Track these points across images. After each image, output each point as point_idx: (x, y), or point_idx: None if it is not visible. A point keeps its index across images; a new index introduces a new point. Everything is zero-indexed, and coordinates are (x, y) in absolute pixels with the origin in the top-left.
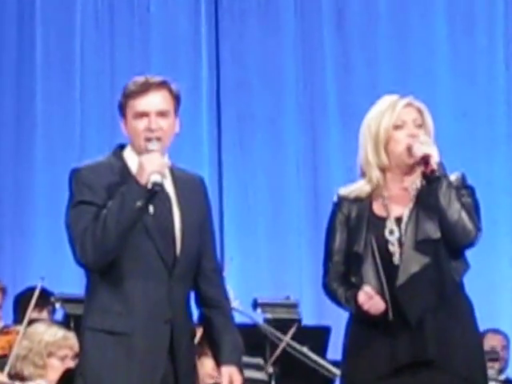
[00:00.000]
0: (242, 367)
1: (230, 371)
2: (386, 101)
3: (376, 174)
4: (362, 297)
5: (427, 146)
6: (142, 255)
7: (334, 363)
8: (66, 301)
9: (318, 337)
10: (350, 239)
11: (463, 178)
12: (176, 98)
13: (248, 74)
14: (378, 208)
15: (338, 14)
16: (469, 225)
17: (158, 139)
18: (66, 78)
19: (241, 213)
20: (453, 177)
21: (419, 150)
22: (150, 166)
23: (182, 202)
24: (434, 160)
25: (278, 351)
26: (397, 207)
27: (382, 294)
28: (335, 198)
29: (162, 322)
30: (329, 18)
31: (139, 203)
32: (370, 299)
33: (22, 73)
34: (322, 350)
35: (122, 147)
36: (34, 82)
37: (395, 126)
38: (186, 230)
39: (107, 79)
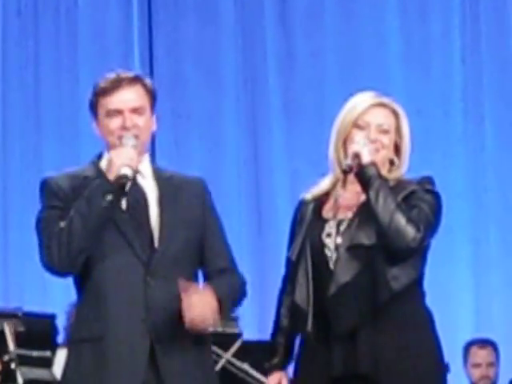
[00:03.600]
0: (226, 304)
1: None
2: (360, 96)
3: (336, 171)
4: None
5: (358, 146)
6: (114, 253)
7: None
8: None
9: (259, 352)
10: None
11: (426, 181)
12: (151, 94)
13: (184, 69)
14: (327, 209)
15: (281, 2)
16: (404, 228)
17: (136, 137)
18: None
19: None
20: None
21: (350, 149)
22: (119, 160)
23: (164, 199)
24: (363, 159)
25: (217, 368)
26: (345, 210)
27: (307, 304)
28: (297, 202)
29: (139, 322)
30: (271, 7)
31: (107, 199)
32: None
33: None
34: (263, 367)
35: (100, 156)
36: None
37: (356, 125)
38: (165, 226)
39: (31, 76)
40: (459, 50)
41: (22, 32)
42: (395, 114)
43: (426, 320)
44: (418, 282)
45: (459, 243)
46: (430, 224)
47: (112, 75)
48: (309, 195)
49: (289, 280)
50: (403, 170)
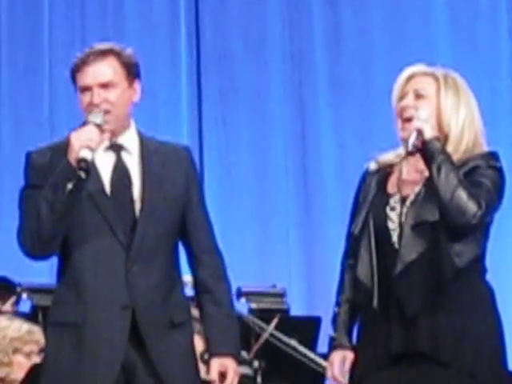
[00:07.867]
0: (237, 358)
1: (219, 362)
2: (407, 69)
3: (401, 144)
4: (329, 372)
5: (419, 122)
6: (96, 237)
7: (325, 356)
8: (34, 291)
9: (307, 328)
10: (353, 217)
11: (491, 157)
12: (127, 65)
13: (230, 44)
14: (392, 183)
15: None
16: (465, 204)
17: (107, 112)
18: (32, 51)
19: (224, 194)
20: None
21: (411, 126)
22: (77, 142)
23: (149, 175)
24: (426, 135)
25: (262, 344)
26: (409, 185)
27: (371, 280)
28: (364, 170)
29: (119, 309)
30: None
31: (70, 185)
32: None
33: None
34: (311, 343)
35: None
36: None
37: (400, 98)
38: (148, 206)
39: (78, 51)
40: (507, 25)
41: (69, 7)
42: (436, 79)
43: (487, 298)
44: (479, 258)
45: (508, 219)
46: (492, 200)
47: (86, 49)
48: (374, 165)
49: (351, 254)
50: (464, 143)
